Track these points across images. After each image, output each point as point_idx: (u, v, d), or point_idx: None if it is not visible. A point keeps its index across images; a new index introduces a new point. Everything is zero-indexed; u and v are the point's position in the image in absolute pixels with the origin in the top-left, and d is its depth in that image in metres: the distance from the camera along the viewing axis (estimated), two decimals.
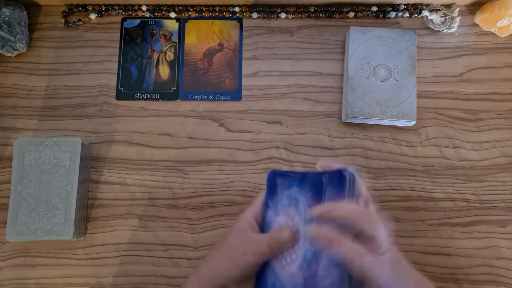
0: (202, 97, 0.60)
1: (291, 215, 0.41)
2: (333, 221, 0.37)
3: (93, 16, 0.63)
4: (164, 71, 0.61)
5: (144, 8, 0.63)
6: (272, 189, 0.44)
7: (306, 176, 0.42)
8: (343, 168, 0.39)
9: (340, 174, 0.39)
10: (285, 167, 0.57)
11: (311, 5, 0.63)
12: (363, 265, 0.35)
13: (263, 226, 0.44)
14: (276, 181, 0.44)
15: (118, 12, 0.63)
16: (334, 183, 0.39)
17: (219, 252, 0.42)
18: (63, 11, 0.62)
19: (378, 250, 0.36)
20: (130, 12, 0.63)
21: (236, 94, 0.60)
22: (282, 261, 0.40)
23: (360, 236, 0.36)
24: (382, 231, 0.37)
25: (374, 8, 0.62)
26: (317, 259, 0.37)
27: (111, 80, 0.61)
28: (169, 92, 0.60)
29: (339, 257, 0.36)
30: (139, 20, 0.63)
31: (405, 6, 0.63)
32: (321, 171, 0.41)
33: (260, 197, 0.45)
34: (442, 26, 0.62)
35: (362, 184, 0.40)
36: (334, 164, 0.41)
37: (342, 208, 0.37)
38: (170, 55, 0.62)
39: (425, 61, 0.61)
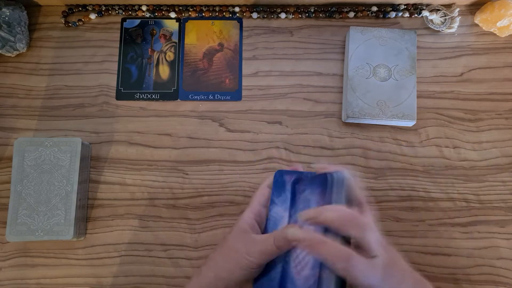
0: (202, 97, 0.60)
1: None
2: (321, 225, 0.36)
3: (93, 16, 0.63)
4: (164, 71, 0.61)
5: (144, 8, 0.63)
6: (278, 186, 0.44)
7: (314, 177, 0.42)
8: (333, 171, 0.39)
9: (324, 177, 0.39)
10: (285, 167, 0.57)
11: (311, 5, 0.63)
12: (347, 268, 0.34)
13: (267, 223, 0.43)
14: (284, 178, 0.44)
15: (118, 12, 0.63)
16: (321, 185, 0.39)
17: (221, 255, 0.42)
18: (63, 11, 0.62)
19: (369, 254, 0.35)
20: (130, 12, 0.63)
21: (236, 94, 0.60)
22: (298, 267, 0.40)
23: (352, 240, 0.36)
24: (371, 235, 0.36)
25: (374, 8, 0.62)
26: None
27: (111, 80, 0.61)
28: (169, 92, 0.60)
29: (322, 260, 0.35)
30: (139, 20, 0.63)
31: (405, 6, 0.63)
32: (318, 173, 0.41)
33: (258, 197, 0.44)
34: (442, 26, 0.62)
35: (356, 187, 0.40)
36: (330, 166, 0.40)
37: (329, 211, 0.37)
38: (170, 55, 0.62)
39: (425, 61, 0.61)
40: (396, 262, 0.37)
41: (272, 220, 0.43)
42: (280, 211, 0.43)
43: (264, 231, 0.43)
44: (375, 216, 0.38)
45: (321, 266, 0.36)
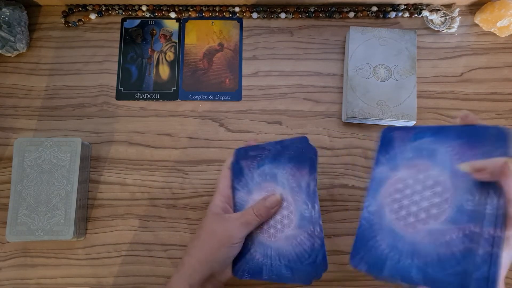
0: (202, 97, 0.60)
1: (269, 189, 0.45)
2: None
3: (93, 16, 0.63)
4: (164, 71, 0.61)
5: (144, 8, 0.63)
6: (238, 173, 0.48)
7: (276, 151, 0.47)
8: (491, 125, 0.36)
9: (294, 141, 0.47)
10: None
11: (311, 5, 0.63)
12: None
13: (235, 209, 0.47)
14: (241, 164, 0.48)
15: (118, 12, 0.63)
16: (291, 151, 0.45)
17: (200, 240, 0.43)
18: (63, 11, 0.62)
19: None
20: (130, 12, 0.63)
21: (236, 94, 0.60)
22: (271, 230, 0.44)
23: None
24: None
25: (374, 8, 0.62)
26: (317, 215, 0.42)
27: (111, 80, 0.61)
28: (169, 92, 0.60)
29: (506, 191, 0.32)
30: (139, 20, 0.63)
31: (405, 6, 0.63)
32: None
33: (223, 180, 0.47)
34: (442, 26, 0.62)
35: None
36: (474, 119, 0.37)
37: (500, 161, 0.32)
38: (170, 55, 0.62)
39: (425, 61, 0.61)
40: None
41: (238, 207, 0.47)
42: (243, 196, 0.47)
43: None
44: None
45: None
